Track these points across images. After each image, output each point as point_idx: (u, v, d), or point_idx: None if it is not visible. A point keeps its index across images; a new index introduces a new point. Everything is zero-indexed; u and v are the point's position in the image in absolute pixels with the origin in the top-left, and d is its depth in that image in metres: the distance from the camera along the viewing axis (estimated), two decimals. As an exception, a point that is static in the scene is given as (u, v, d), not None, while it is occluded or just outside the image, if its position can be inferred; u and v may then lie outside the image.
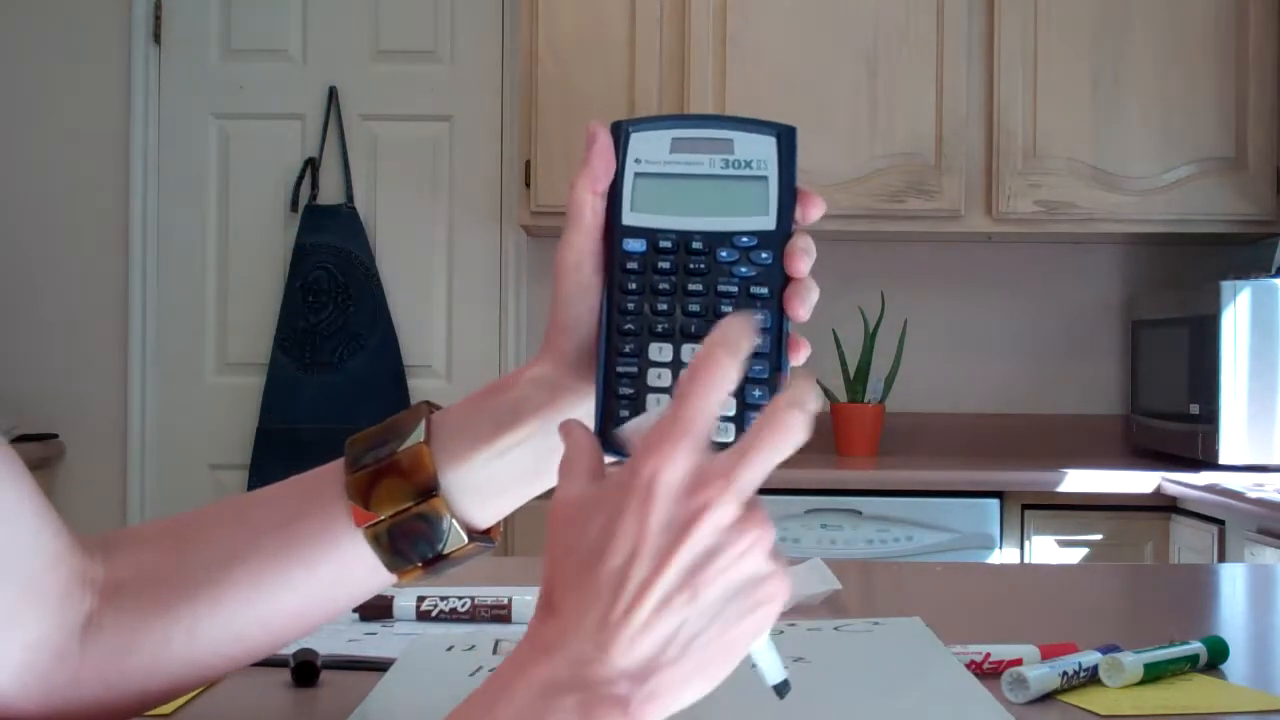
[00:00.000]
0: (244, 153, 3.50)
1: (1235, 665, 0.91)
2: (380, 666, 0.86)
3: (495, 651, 0.79)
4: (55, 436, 3.44)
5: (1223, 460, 2.74)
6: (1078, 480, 2.77)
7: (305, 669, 0.85)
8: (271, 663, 0.84)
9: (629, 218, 0.66)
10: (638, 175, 0.67)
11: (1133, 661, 0.84)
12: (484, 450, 0.67)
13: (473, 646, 0.80)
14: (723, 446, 0.64)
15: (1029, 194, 3.06)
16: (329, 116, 3.48)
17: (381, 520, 0.66)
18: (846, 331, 3.21)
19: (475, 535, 0.67)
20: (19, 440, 3.26)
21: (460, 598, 1.02)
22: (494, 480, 0.67)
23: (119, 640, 0.66)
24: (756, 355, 0.65)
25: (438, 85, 3.48)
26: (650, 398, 0.65)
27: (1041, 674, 0.81)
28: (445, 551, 0.66)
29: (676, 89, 3.09)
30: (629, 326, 0.65)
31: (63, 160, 3.48)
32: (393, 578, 0.68)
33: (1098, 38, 3.06)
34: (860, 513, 2.77)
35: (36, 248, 3.48)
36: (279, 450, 3.35)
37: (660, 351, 0.65)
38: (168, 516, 0.73)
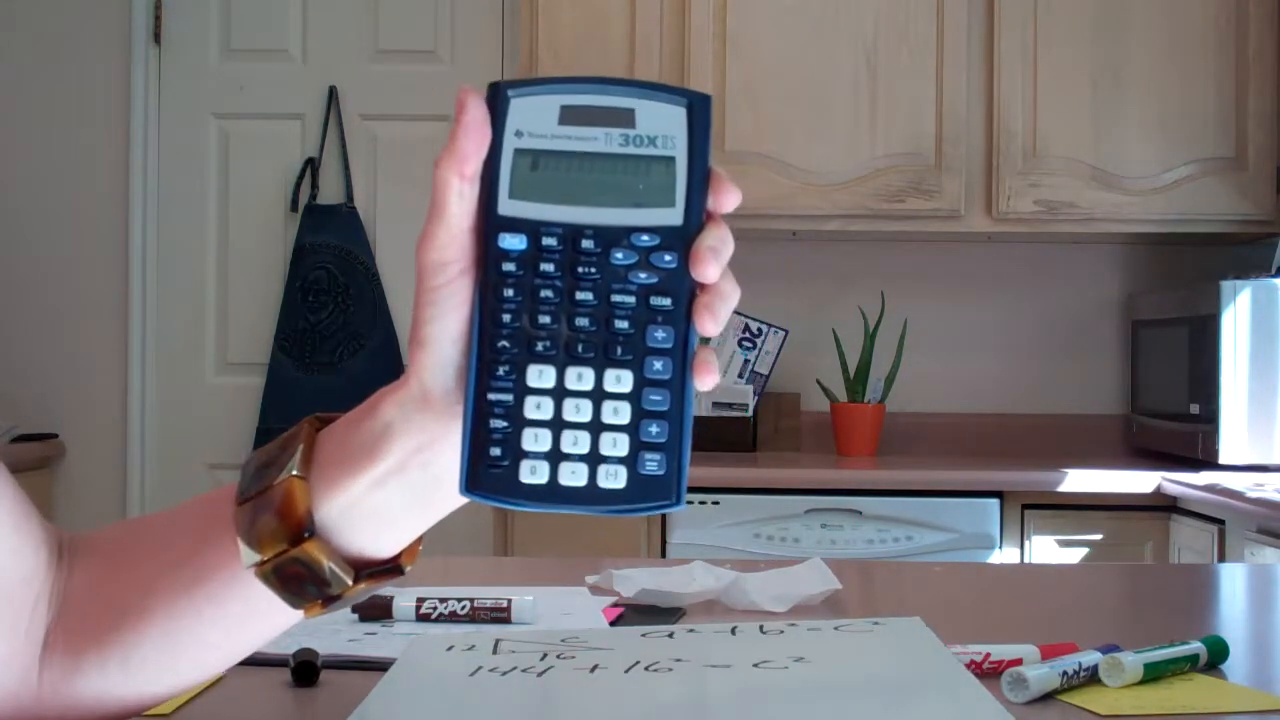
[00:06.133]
0: (244, 153, 3.50)
1: (1235, 665, 0.91)
2: (380, 666, 0.86)
3: (495, 651, 0.79)
4: (55, 436, 3.44)
5: (1223, 460, 2.74)
6: (1078, 480, 2.77)
7: (305, 669, 0.84)
8: (271, 663, 0.84)
9: (506, 206, 0.56)
10: (518, 152, 0.56)
11: (1133, 661, 0.84)
12: (361, 479, 0.59)
13: (473, 646, 0.80)
14: (611, 493, 0.54)
15: (1029, 194, 3.06)
16: (329, 116, 3.48)
17: (267, 560, 0.59)
18: (846, 331, 3.20)
19: (376, 568, 0.61)
20: (19, 440, 3.26)
21: (460, 600, 1.02)
22: (380, 509, 0.59)
23: (67, 663, 0.64)
24: (654, 383, 0.55)
25: (438, 85, 3.48)
26: (528, 432, 0.54)
27: (1041, 674, 0.81)
28: (335, 593, 0.60)
29: (676, 89, 3.08)
30: (503, 344, 0.55)
31: (63, 160, 3.48)
32: (300, 614, 0.62)
33: (1098, 38, 3.06)
34: (860, 513, 2.77)
35: (37, 247, 3.48)
36: (279, 450, 3.35)
37: (540, 376, 0.55)
38: (131, 518, 0.70)
